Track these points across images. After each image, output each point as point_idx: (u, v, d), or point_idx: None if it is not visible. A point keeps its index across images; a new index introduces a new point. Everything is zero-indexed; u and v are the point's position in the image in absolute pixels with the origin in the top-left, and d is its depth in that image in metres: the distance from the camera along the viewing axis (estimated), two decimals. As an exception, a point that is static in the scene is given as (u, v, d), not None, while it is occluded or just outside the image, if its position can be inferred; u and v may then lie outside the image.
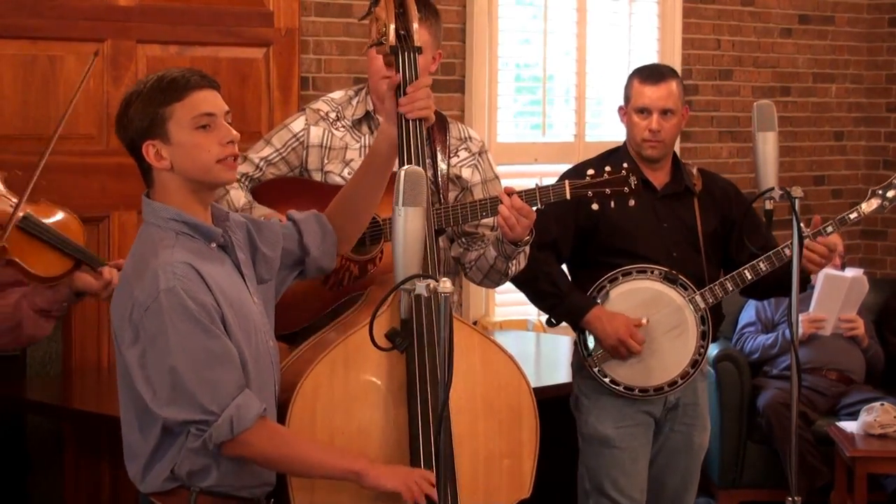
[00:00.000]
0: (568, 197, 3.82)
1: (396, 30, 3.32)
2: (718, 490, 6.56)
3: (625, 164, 3.88)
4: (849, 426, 6.12)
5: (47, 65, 5.09)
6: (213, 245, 3.03)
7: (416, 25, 3.35)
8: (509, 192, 3.78)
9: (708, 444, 4.63)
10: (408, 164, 3.27)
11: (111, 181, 5.17)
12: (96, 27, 5.18)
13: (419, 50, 3.39)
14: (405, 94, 3.32)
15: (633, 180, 3.84)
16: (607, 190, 3.83)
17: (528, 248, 3.95)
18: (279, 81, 5.64)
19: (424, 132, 3.37)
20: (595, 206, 3.86)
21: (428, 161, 3.96)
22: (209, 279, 2.94)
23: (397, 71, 3.33)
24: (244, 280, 3.08)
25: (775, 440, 6.32)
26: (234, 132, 3.01)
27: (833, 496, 6.23)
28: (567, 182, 3.83)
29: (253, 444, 2.95)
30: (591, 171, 3.85)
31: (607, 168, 3.85)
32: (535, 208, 3.80)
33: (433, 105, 3.41)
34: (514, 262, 3.96)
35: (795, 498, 3.66)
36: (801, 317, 6.40)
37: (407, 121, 3.32)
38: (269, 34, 5.60)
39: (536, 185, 3.83)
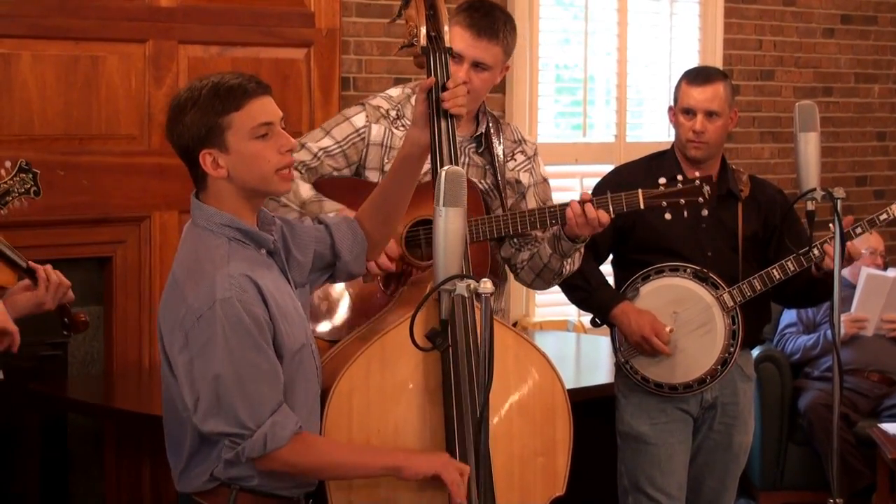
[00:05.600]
0: (642, 206, 3.86)
1: (427, 31, 3.32)
2: (759, 492, 6.53)
3: (697, 174, 3.93)
4: (891, 428, 6.08)
5: (90, 65, 5.11)
6: (263, 251, 3.03)
7: (446, 27, 3.35)
8: (585, 200, 3.79)
9: (750, 446, 4.62)
10: (443, 162, 3.27)
11: (152, 181, 5.18)
12: (138, 28, 5.20)
13: (450, 51, 3.37)
14: (444, 91, 3.28)
15: (706, 191, 3.88)
16: (681, 200, 3.87)
17: (583, 249, 3.96)
18: (320, 82, 5.64)
19: (457, 130, 3.36)
20: (668, 216, 3.90)
21: (488, 168, 3.97)
22: (265, 290, 2.93)
23: (429, 72, 3.31)
24: (290, 285, 3.08)
25: (817, 442, 6.30)
26: (292, 139, 3.00)
27: (875, 498, 6.20)
28: (640, 191, 3.86)
29: (286, 460, 2.95)
30: (663, 181, 3.90)
31: (679, 177, 3.90)
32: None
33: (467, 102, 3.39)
34: (568, 260, 3.95)
35: (837, 500, 3.65)
36: (842, 317, 6.37)
37: (444, 119, 3.29)
38: (309, 35, 5.61)
39: (609, 192, 3.84)
